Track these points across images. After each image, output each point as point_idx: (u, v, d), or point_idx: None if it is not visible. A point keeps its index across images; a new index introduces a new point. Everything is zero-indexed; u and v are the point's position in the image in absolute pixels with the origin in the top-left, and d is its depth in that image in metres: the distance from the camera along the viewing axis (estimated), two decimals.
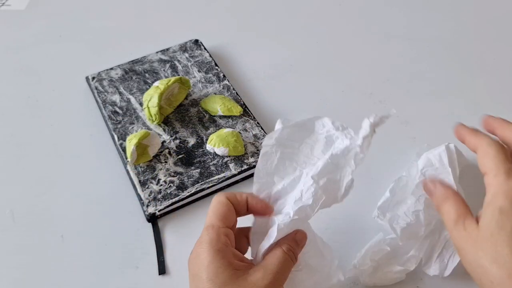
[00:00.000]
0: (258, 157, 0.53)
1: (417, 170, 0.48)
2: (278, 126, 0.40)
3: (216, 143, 0.53)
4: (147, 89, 0.61)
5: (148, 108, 0.57)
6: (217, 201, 0.37)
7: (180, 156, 0.55)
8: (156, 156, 0.55)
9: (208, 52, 0.67)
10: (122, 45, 0.72)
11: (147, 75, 0.64)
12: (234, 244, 0.37)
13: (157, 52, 0.67)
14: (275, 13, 0.77)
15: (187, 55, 0.67)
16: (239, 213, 0.38)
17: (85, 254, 0.49)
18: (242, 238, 0.39)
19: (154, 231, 0.50)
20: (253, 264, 0.36)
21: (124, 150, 0.55)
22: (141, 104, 0.60)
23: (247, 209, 0.38)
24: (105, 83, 0.63)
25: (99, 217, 0.52)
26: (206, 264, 0.33)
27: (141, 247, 0.49)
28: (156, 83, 0.58)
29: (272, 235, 0.36)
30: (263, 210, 0.37)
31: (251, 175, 0.54)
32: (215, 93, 0.61)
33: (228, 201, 0.37)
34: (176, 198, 0.51)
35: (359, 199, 0.53)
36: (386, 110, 0.40)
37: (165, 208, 0.50)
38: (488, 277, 0.31)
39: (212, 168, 0.53)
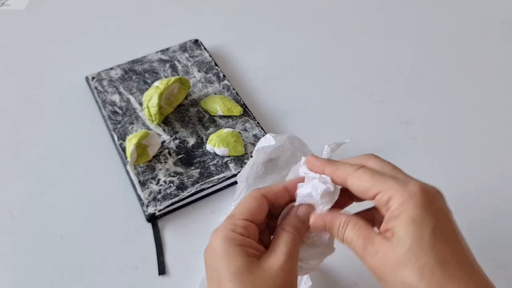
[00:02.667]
0: None
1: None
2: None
3: (216, 143, 0.53)
4: (147, 89, 0.61)
5: (148, 108, 0.56)
6: (249, 195, 0.36)
7: (180, 156, 0.55)
8: (156, 156, 0.55)
9: (208, 52, 0.67)
10: (122, 45, 0.72)
11: (147, 75, 0.64)
12: (256, 238, 0.35)
13: (157, 52, 0.67)
14: (275, 13, 0.77)
15: (187, 55, 0.67)
16: (280, 203, 0.36)
17: (85, 254, 0.49)
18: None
19: (154, 231, 0.50)
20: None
21: (124, 150, 0.55)
22: (141, 104, 0.60)
23: (290, 195, 0.36)
24: (105, 83, 0.63)
25: (99, 217, 0.51)
26: (219, 252, 0.33)
27: (141, 247, 0.49)
28: (156, 83, 0.58)
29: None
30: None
31: None
32: (215, 93, 0.61)
33: (261, 196, 0.35)
34: (176, 198, 0.51)
35: None
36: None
37: (165, 208, 0.50)
38: None
39: (212, 168, 0.53)
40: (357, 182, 0.33)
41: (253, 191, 0.36)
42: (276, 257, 0.33)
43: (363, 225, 0.32)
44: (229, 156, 0.54)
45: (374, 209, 0.34)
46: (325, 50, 0.70)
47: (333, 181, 0.35)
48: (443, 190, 0.39)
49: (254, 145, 0.55)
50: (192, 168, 0.53)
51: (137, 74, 0.64)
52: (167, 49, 0.67)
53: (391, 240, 0.30)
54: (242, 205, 0.35)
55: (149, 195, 0.51)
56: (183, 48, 0.68)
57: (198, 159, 0.54)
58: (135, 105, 0.60)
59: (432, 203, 0.30)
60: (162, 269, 0.47)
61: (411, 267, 0.29)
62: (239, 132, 0.56)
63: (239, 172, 0.53)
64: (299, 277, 0.39)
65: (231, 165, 0.53)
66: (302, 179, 0.37)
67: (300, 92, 0.64)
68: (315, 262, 0.38)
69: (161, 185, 0.52)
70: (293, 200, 0.37)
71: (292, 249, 0.34)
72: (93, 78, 0.64)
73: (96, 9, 0.79)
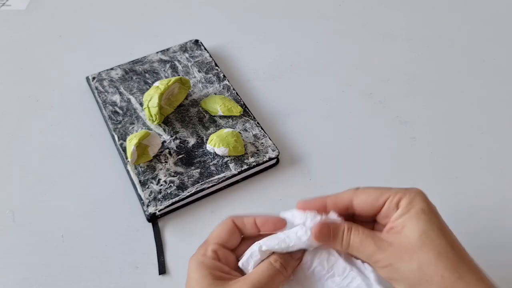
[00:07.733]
0: (258, 157, 0.54)
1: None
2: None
3: (216, 143, 0.53)
4: (147, 89, 0.62)
5: (148, 108, 0.57)
6: (223, 222, 0.38)
7: (180, 156, 0.55)
8: (156, 156, 0.55)
9: (208, 52, 0.67)
10: (122, 45, 0.72)
11: (147, 75, 0.64)
12: (232, 263, 0.37)
13: (157, 52, 0.67)
14: (275, 13, 0.77)
15: (187, 55, 0.67)
16: (248, 234, 0.38)
17: (85, 254, 0.49)
18: None
19: (154, 231, 0.50)
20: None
21: (124, 150, 0.55)
22: (141, 104, 0.60)
23: (258, 229, 0.38)
24: (105, 83, 0.63)
25: (99, 217, 0.52)
26: (191, 275, 0.35)
27: (141, 247, 0.49)
28: (156, 83, 0.58)
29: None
30: (274, 225, 0.37)
31: (251, 175, 0.55)
32: (215, 93, 0.61)
33: (232, 223, 0.37)
34: (176, 198, 0.51)
35: None
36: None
37: (165, 208, 0.51)
38: (437, 271, 0.31)
39: (212, 168, 0.53)
40: (365, 197, 0.35)
41: (227, 218, 0.38)
42: (240, 285, 0.34)
43: (365, 229, 0.35)
44: (229, 156, 0.54)
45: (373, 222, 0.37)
46: (325, 50, 0.70)
47: (337, 209, 0.36)
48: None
49: (254, 145, 0.55)
50: (193, 168, 0.54)
51: (137, 74, 0.64)
52: (168, 49, 0.68)
53: (403, 231, 0.33)
54: (215, 231, 0.37)
55: (149, 195, 0.51)
56: (184, 48, 0.68)
57: (199, 159, 0.54)
58: (136, 105, 0.60)
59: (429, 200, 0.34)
60: (162, 269, 0.47)
61: (427, 248, 0.31)
62: (239, 132, 0.56)
63: (239, 172, 0.53)
64: None
65: (231, 165, 0.53)
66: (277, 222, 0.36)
67: (300, 92, 0.64)
68: None
69: (161, 185, 0.52)
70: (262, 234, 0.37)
71: (266, 282, 0.34)
72: (93, 78, 0.64)
73: (97, 10, 0.79)
